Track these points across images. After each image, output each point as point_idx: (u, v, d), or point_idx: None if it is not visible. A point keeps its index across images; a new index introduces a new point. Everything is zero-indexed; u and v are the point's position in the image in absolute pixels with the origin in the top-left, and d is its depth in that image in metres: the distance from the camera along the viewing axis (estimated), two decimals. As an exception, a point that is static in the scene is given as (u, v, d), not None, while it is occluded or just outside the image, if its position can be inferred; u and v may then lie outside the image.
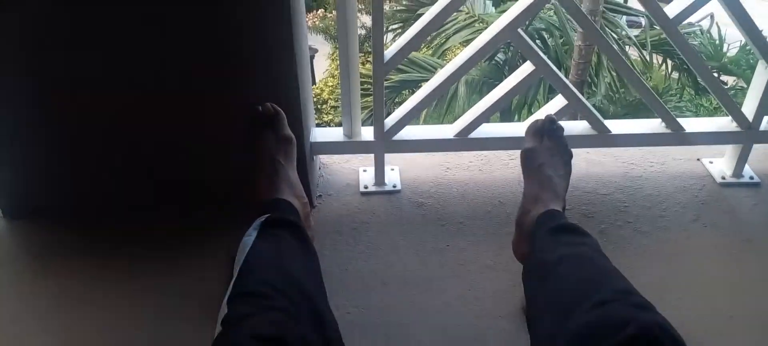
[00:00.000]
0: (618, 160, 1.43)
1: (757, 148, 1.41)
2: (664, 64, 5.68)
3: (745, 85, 4.97)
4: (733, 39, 6.05)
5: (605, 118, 1.27)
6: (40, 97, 1.08)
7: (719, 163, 1.40)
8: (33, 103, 1.09)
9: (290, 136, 1.03)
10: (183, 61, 1.04)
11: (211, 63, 1.05)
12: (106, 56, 1.03)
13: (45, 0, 0.96)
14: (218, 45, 1.03)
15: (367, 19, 7.78)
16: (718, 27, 5.80)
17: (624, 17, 5.76)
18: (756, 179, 1.35)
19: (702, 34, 6.20)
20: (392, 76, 5.70)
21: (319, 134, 1.29)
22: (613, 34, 5.28)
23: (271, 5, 0.98)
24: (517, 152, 1.43)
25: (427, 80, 1.67)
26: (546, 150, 1.01)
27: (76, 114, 1.10)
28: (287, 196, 0.94)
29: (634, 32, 5.56)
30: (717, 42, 5.76)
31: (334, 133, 1.30)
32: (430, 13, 1.12)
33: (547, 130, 1.03)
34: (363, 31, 7.20)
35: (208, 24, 1.00)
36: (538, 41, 5.49)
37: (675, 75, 5.76)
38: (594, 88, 5.37)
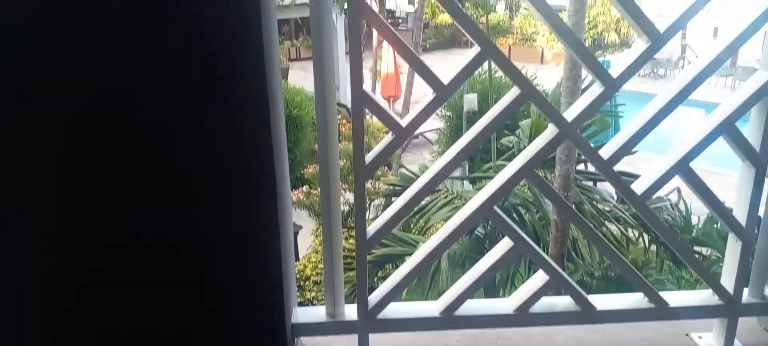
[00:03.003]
0: (606, 337, 1.39)
1: (744, 321, 1.40)
2: (640, 239, 5.81)
3: (719, 255, 5.08)
4: (700, 210, 6.30)
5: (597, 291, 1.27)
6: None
7: (708, 338, 1.37)
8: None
9: None
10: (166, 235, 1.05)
11: (192, 236, 1.05)
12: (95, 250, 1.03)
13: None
14: (199, 221, 1.04)
15: (350, 196, 8.02)
16: (684, 200, 6.06)
17: (598, 185, 5.96)
18: (749, 354, 1.32)
19: (672, 208, 6.44)
20: (375, 251, 5.71)
21: (301, 314, 1.25)
22: (593, 206, 5.42)
23: (260, 187, 1.01)
24: (505, 330, 1.41)
25: (409, 254, 1.68)
26: None
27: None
28: None
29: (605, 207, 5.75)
30: (685, 214, 5.97)
31: (316, 313, 1.26)
32: (410, 191, 1.16)
33: None
34: (346, 208, 7.37)
35: (193, 198, 1.02)
36: (515, 216, 5.65)
37: (653, 247, 5.86)
38: (580, 260, 5.38)
